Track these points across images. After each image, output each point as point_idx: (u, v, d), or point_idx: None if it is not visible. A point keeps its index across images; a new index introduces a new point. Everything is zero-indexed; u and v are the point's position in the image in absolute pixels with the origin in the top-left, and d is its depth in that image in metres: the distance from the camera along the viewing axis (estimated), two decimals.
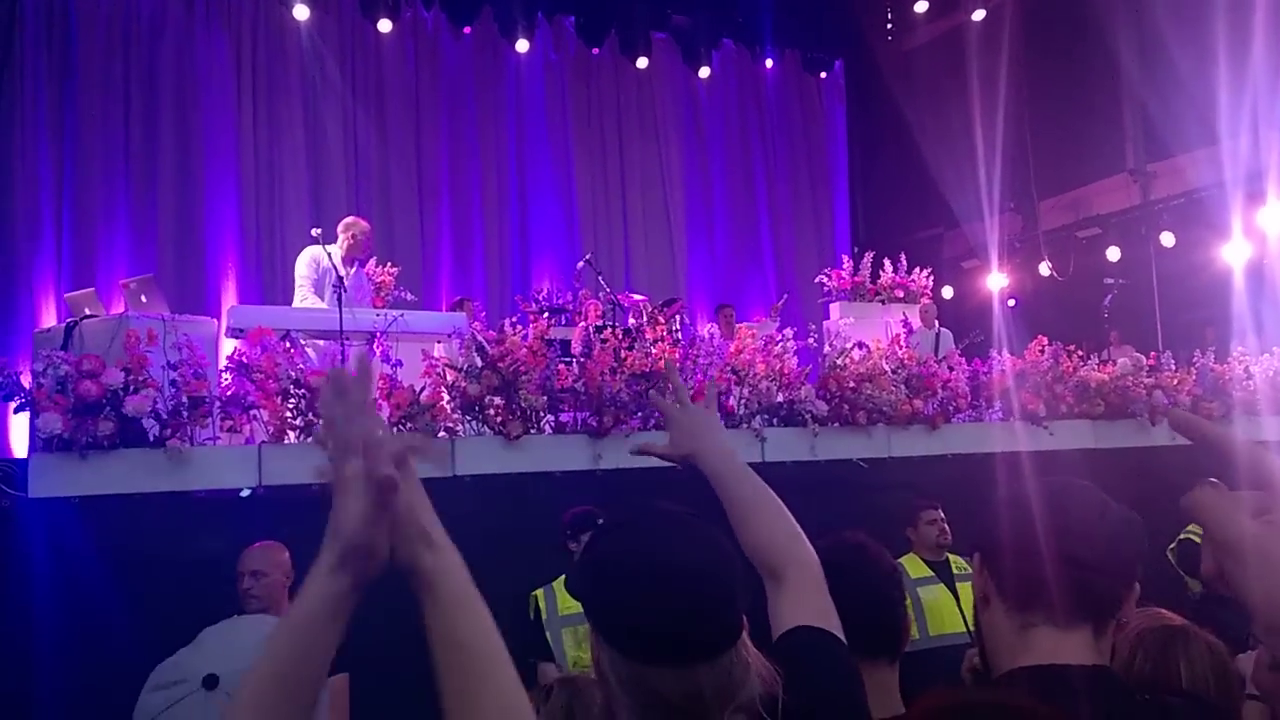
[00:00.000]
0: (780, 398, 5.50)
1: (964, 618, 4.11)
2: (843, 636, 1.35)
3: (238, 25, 9.44)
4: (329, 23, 9.86)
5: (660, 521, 1.22)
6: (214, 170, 9.10)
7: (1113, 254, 10.41)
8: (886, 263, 9.89)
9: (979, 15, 11.31)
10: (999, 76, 10.81)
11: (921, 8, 11.77)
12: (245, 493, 4.41)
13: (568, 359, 5.19)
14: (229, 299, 8.74)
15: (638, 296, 8.36)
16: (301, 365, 4.78)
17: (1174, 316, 9.77)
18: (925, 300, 8.84)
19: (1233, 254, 9.29)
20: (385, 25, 9.90)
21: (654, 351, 5.28)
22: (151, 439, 4.24)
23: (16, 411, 4.20)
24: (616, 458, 5.05)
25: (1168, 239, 9.99)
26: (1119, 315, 8.66)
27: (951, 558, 4.44)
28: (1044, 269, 11.05)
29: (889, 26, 12.70)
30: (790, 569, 1.41)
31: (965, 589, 4.21)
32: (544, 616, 4.05)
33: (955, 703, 0.88)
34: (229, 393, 4.50)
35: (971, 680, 1.60)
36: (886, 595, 1.83)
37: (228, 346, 5.45)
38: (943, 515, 4.44)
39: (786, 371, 5.59)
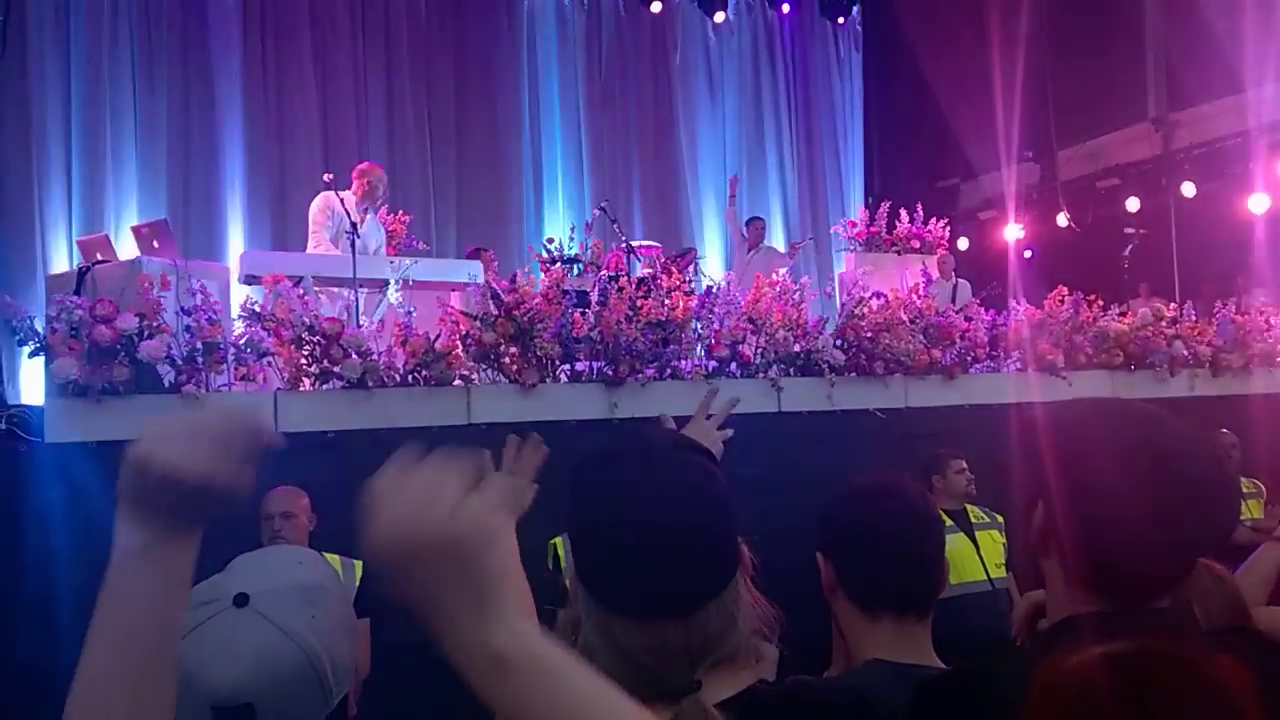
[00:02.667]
0: (797, 347, 5.45)
1: (984, 565, 4.15)
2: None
3: None
4: None
5: (647, 459, 1.11)
6: (223, 115, 9.01)
7: (1132, 204, 10.26)
8: (903, 213, 9.78)
9: None
10: (1019, 22, 10.57)
11: None
12: None
13: (583, 308, 5.15)
14: (237, 245, 8.69)
15: (652, 244, 8.28)
16: (316, 312, 4.75)
17: (1194, 268, 9.64)
18: (942, 251, 8.74)
19: (1255, 205, 9.14)
20: None
21: (669, 302, 5.23)
22: (167, 385, 4.22)
23: (31, 356, 4.17)
24: (632, 406, 5.02)
25: (1188, 189, 9.83)
26: (1138, 267, 8.55)
27: (969, 508, 4.46)
28: (1062, 220, 10.91)
29: None
30: None
31: (984, 538, 4.25)
32: (563, 564, 4.06)
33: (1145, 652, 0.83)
34: (243, 340, 4.47)
35: (1028, 626, 1.50)
36: (920, 548, 1.64)
37: (239, 293, 5.40)
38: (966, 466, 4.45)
39: (803, 321, 5.53)
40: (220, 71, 9.02)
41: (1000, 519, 4.65)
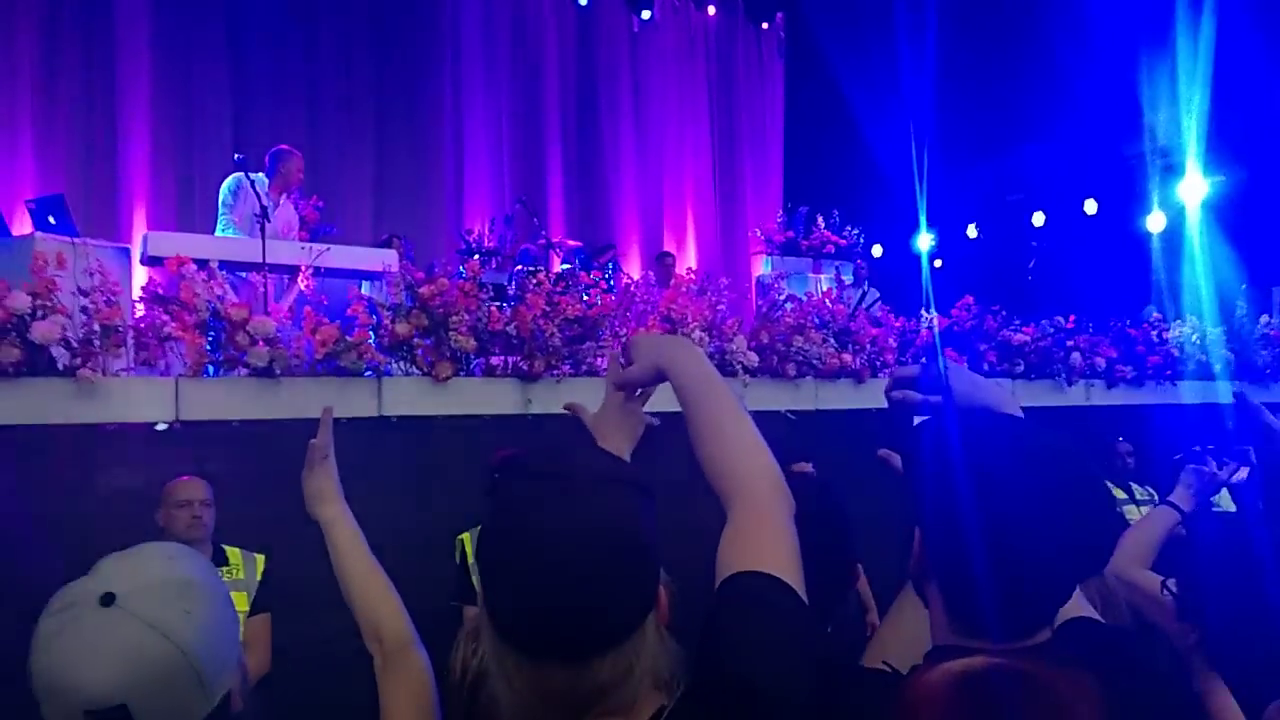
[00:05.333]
0: (712, 348, 5.50)
1: None
2: (800, 583, 1.13)
3: None
4: None
5: (563, 488, 1.02)
6: (127, 85, 8.64)
7: (1038, 218, 10.64)
8: (820, 219, 9.97)
9: None
10: (928, 34, 10.83)
11: None
12: (161, 427, 4.25)
13: (499, 303, 5.11)
14: (140, 224, 8.36)
15: (572, 242, 8.27)
16: (221, 295, 4.60)
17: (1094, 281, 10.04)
18: (860, 262, 8.96)
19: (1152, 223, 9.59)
20: None
21: (588, 298, 5.23)
22: (61, 368, 4.04)
23: None
24: (547, 402, 5.00)
25: (1091, 206, 10.24)
26: (1042, 278, 8.88)
27: None
28: (971, 231, 11.25)
29: None
30: (744, 497, 1.22)
31: None
32: (470, 559, 4.03)
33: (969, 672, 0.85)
34: (144, 323, 4.31)
35: None
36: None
37: (141, 275, 5.21)
38: (811, 468, 4.61)
39: (719, 322, 5.59)
40: (126, 39, 8.65)
41: None
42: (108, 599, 1.07)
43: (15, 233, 5.22)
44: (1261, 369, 6.96)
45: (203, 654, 1.10)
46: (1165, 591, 2.05)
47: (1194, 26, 9.03)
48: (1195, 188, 9.48)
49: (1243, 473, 2.52)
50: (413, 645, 1.57)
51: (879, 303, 7.80)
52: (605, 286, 5.55)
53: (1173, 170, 9.88)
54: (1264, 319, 7.20)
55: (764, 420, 4.87)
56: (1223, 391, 6.43)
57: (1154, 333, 6.83)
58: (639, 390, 1.55)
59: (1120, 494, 5.26)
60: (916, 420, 1.41)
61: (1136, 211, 9.94)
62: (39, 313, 3.94)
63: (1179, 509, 2.49)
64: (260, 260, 5.39)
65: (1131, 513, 5.09)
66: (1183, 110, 9.54)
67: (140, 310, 4.38)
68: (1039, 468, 1.02)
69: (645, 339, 1.50)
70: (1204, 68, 9.14)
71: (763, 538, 1.16)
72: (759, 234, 10.26)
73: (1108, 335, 6.68)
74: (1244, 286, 7.48)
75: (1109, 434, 5.49)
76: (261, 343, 4.37)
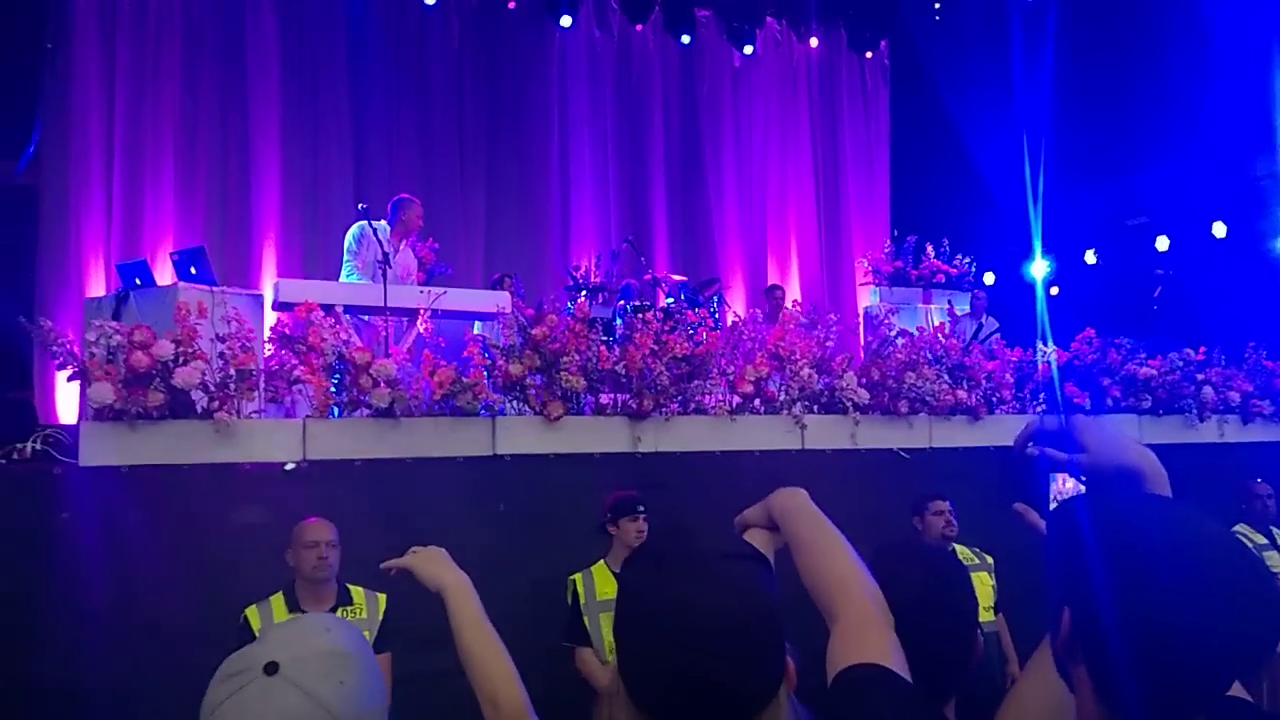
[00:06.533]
0: (821, 384, 5.46)
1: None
2: (906, 674, 1.21)
3: None
4: None
5: (693, 566, 1.07)
6: (258, 140, 9.16)
7: (1162, 243, 10.21)
8: (929, 247, 9.79)
9: None
10: (1044, 59, 10.57)
11: None
12: (290, 466, 4.46)
13: (606, 339, 5.19)
14: (270, 271, 8.81)
15: (678, 277, 8.33)
16: (346, 340, 4.82)
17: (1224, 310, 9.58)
18: (978, 292, 8.75)
19: None
20: None
21: (695, 335, 5.27)
22: (199, 410, 4.29)
23: (69, 380, 4.25)
24: (655, 440, 5.05)
25: (1219, 229, 9.78)
26: (1168, 307, 8.51)
27: (958, 547, 4.54)
28: (1090, 257, 10.86)
29: (937, 6, 12.48)
30: (846, 606, 1.31)
31: (974, 580, 4.25)
32: (582, 601, 4.07)
33: None
34: (273, 365, 4.54)
35: None
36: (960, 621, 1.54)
37: (272, 320, 5.49)
38: (950, 506, 4.50)
39: (828, 358, 5.55)
40: (257, 100, 9.19)
41: (990, 560, 4.67)
42: (272, 668, 1.15)
43: (160, 283, 5.56)
44: None
45: None
46: None
47: None
48: None
49: None
50: (527, 715, 1.62)
51: (998, 334, 7.60)
52: (712, 324, 5.58)
53: None
54: None
55: (875, 458, 4.81)
56: None
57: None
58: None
59: (1260, 539, 4.97)
60: (1054, 480, 1.39)
61: (1269, 234, 9.43)
62: (181, 359, 4.21)
63: None
64: (382, 304, 5.61)
65: (1272, 559, 4.81)
66: None
67: (269, 350, 4.63)
68: (1199, 558, 0.97)
69: (776, 494, 1.65)
70: None
71: (868, 635, 1.26)
72: (866, 264, 10.12)
73: (1242, 368, 6.35)
74: None
75: (1245, 474, 5.20)
76: (383, 384, 4.55)
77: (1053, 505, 1.37)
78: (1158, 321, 8.33)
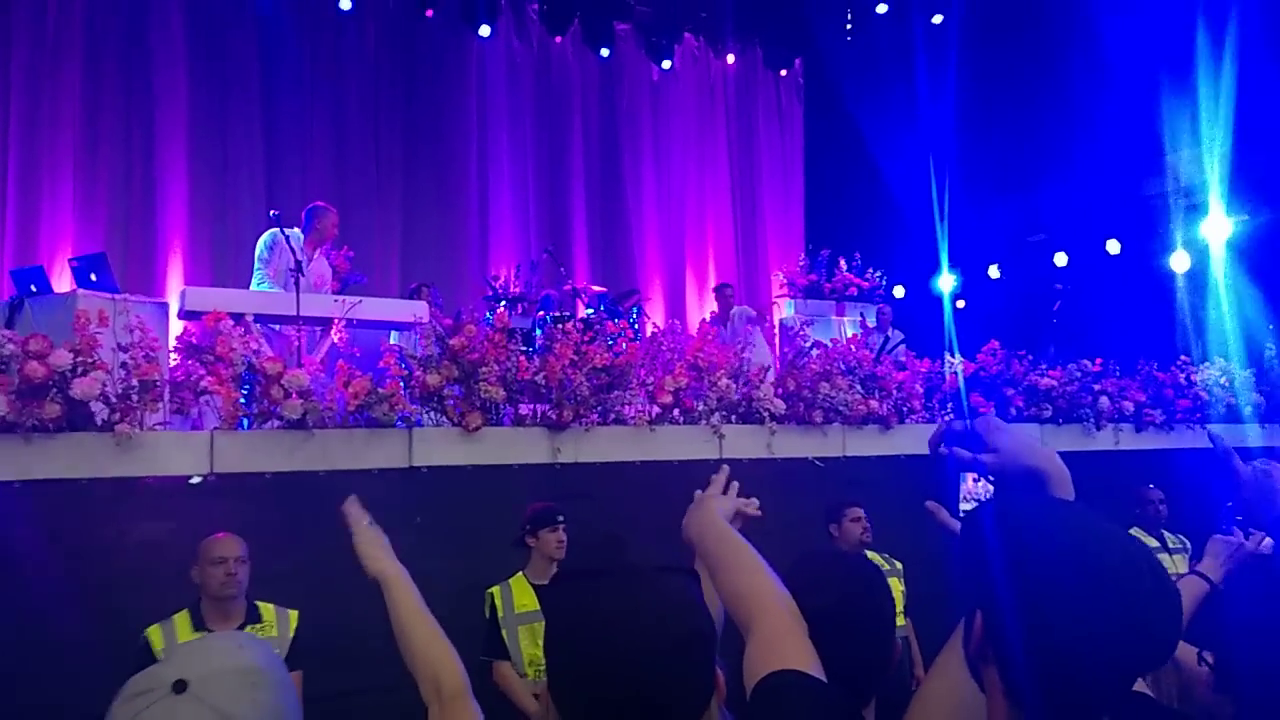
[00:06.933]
0: (738, 394, 5.52)
1: None
2: (823, 676, 1.24)
3: None
4: None
5: (623, 585, 1.08)
6: (164, 147, 8.87)
7: (1060, 259, 10.63)
8: (842, 261, 10.01)
9: (938, 19, 11.45)
10: (949, 80, 10.93)
11: (882, 9, 11.89)
12: (196, 480, 4.31)
13: (526, 349, 5.16)
14: (176, 279, 8.53)
15: (596, 287, 8.34)
16: (256, 349, 4.69)
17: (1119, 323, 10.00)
18: (884, 307, 8.97)
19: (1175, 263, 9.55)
20: (346, 3, 9.73)
21: (615, 346, 5.28)
22: (99, 423, 4.13)
23: None
24: (575, 451, 5.04)
25: (1114, 246, 10.22)
26: (1067, 320, 8.85)
27: (870, 554, 4.64)
28: (993, 271, 11.24)
29: (848, 27, 12.80)
30: (761, 616, 1.34)
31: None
32: (500, 614, 4.03)
33: None
34: (179, 376, 4.39)
35: None
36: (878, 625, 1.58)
37: (178, 329, 5.31)
38: (864, 514, 4.67)
39: (745, 368, 5.61)
40: (163, 102, 8.90)
41: (900, 565, 4.83)
42: (180, 686, 1.11)
43: (57, 290, 5.33)
44: None
45: None
46: (1201, 663, 1.99)
47: (1215, 65, 9.05)
48: (1219, 227, 9.45)
49: (1268, 542, 2.45)
50: (468, 695, 1.64)
51: (903, 345, 7.80)
52: (632, 335, 5.60)
53: (1196, 209, 9.84)
54: None
55: (791, 467, 4.88)
56: (1251, 434, 6.37)
57: (1182, 375, 6.78)
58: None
59: (1153, 542, 5.20)
60: (964, 480, 1.43)
61: (1160, 251, 9.90)
62: (80, 369, 4.04)
63: (1208, 580, 2.42)
64: (295, 313, 5.48)
65: (1164, 562, 5.03)
66: (1205, 149, 9.54)
67: (175, 360, 4.48)
68: (1100, 561, 1.01)
69: (689, 515, 1.71)
70: (1226, 106, 9.15)
71: (785, 642, 1.28)
72: (781, 277, 10.30)
73: (1136, 378, 6.64)
74: (1271, 327, 7.42)
75: (1139, 480, 5.44)
76: (295, 395, 4.44)
77: (962, 504, 1.41)
78: (1059, 334, 8.65)
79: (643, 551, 1.38)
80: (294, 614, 3.57)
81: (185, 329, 4.87)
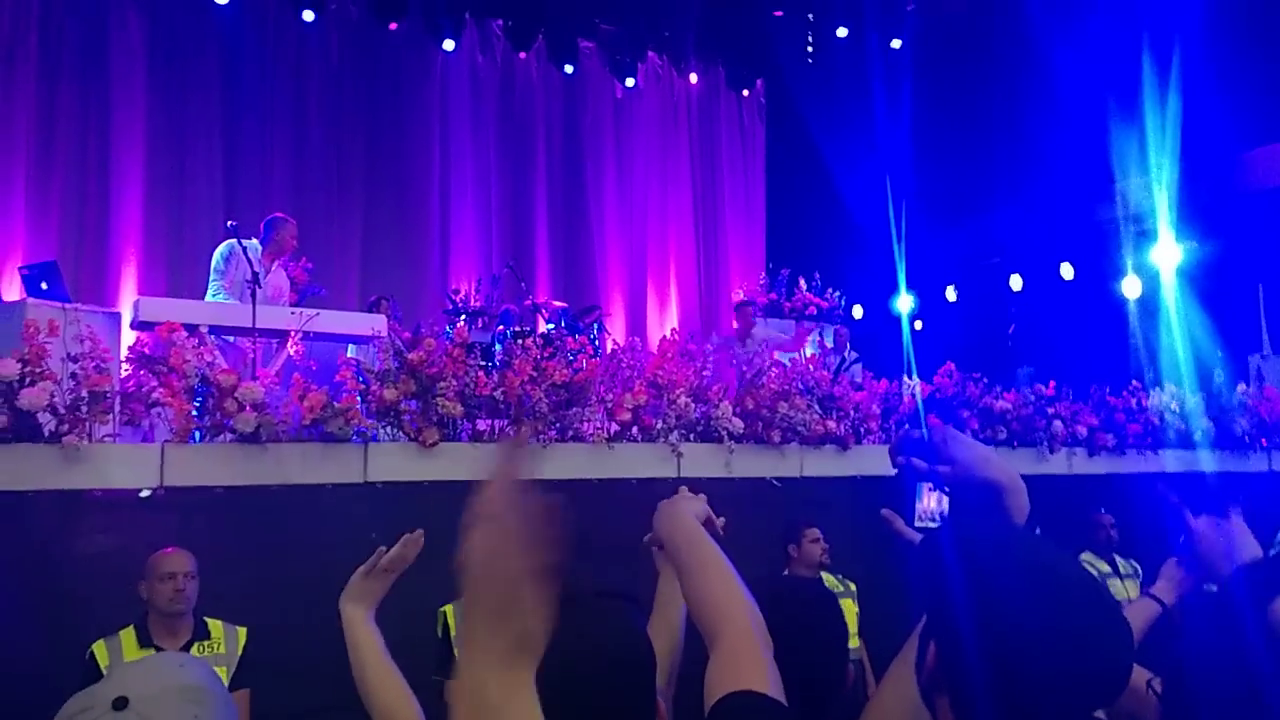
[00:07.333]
0: (697, 413, 5.54)
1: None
2: (783, 699, 1.23)
3: (153, 3, 9.08)
4: (250, 6, 9.58)
5: (564, 609, 1.08)
6: (120, 154, 8.74)
7: (1015, 282, 10.82)
8: (801, 281, 10.10)
9: (896, 44, 11.65)
10: (906, 105, 11.11)
11: (842, 32, 12.07)
12: (145, 493, 4.23)
13: (485, 365, 5.14)
14: (130, 289, 8.39)
15: (557, 303, 8.34)
16: (210, 361, 4.62)
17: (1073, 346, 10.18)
18: (841, 328, 9.06)
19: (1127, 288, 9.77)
20: (309, 14, 9.67)
21: (575, 363, 5.27)
22: (46, 434, 4.04)
23: None
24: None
25: (1067, 271, 10.43)
26: (1022, 342, 9.01)
27: (825, 576, 4.69)
28: (950, 293, 11.42)
29: (809, 49, 12.97)
30: (726, 629, 1.32)
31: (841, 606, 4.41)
32: (453, 633, 3.98)
33: None
34: (130, 387, 4.31)
35: None
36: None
37: (130, 339, 5.22)
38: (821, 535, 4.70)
39: (705, 387, 5.63)
40: (121, 109, 8.77)
41: (854, 587, 4.86)
42: (120, 703, 1.10)
43: (7, 299, 5.23)
44: (1240, 437, 7.02)
45: None
46: (1150, 690, 2.00)
47: (1161, 94, 9.30)
48: (1169, 254, 9.68)
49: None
50: None
51: (858, 364, 7.88)
52: (592, 351, 5.59)
53: (1146, 236, 10.08)
54: (1240, 387, 7.28)
55: (749, 487, 4.90)
56: (1204, 460, 6.50)
57: (1134, 400, 6.90)
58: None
59: (1104, 567, 5.28)
60: (920, 492, 1.44)
61: (1112, 276, 10.12)
62: (27, 379, 3.96)
63: (1161, 602, 2.43)
64: (250, 325, 5.42)
65: (1114, 586, 5.11)
66: (1153, 177, 9.78)
67: (126, 370, 4.40)
68: (1052, 595, 1.02)
69: (659, 514, 1.68)
70: (1172, 135, 9.39)
71: (746, 661, 1.26)
72: (742, 295, 10.37)
73: (1088, 402, 6.75)
74: (1221, 354, 7.59)
75: (1091, 504, 5.53)
76: (249, 408, 4.38)
77: (917, 521, 1.42)
78: (1013, 356, 8.80)
79: (599, 571, 1.34)
80: (243, 631, 3.51)
81: (138, 340, 4.80)
